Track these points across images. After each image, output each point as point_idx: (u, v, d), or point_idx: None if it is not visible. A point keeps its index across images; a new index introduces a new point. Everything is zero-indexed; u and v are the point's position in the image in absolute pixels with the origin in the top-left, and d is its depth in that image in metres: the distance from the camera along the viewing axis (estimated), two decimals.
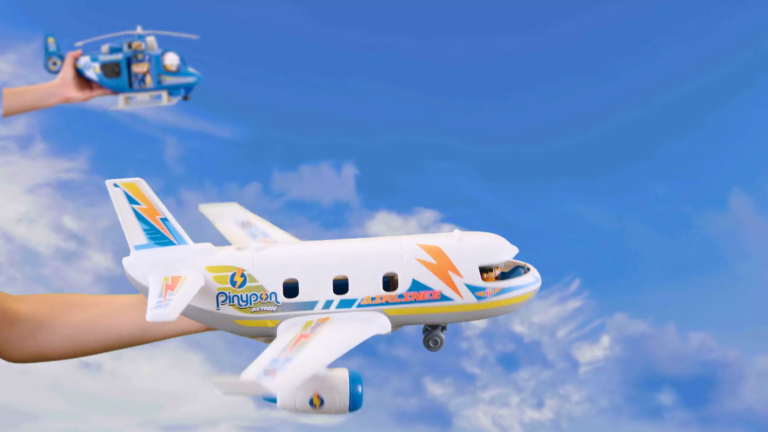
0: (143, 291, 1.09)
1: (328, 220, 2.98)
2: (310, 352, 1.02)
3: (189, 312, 1.09)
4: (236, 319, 1.10)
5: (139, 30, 2.14)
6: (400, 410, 2.99)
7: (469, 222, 3.06)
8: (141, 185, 1.08)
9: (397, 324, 1.12)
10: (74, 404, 2.99)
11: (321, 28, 3.08)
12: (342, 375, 1.10)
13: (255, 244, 1.13)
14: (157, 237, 1.10)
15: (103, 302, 1.24)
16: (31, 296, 1.24)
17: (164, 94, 2.09)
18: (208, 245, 1.12)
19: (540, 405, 3.05)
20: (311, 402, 1.07)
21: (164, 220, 1.10)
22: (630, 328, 3.07)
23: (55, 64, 2.14)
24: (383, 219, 2.92)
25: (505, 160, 3.04)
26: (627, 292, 3.08)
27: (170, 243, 1.10)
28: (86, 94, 2.08)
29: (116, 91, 2.10)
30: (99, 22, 2.91)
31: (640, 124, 3.08)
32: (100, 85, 2.09)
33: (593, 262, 3.06)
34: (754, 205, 3.06)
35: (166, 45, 2.16)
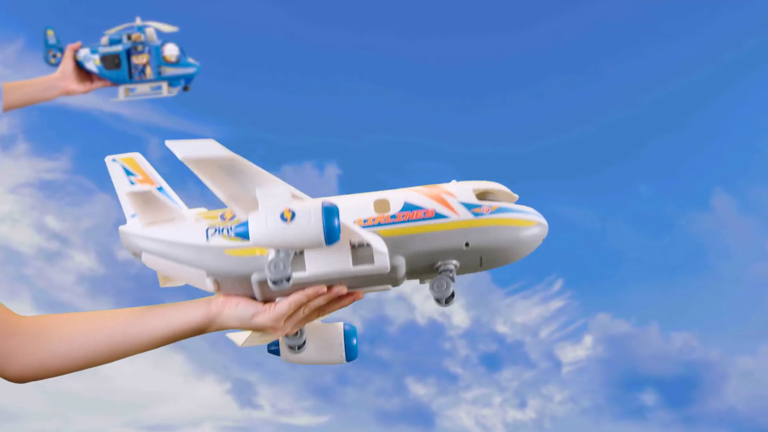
0: (138, 257, 1.11)
1: None
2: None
3: (179, 252, 1.09)
4: (226, 249, 1.09)
5: (138, 21, 2.14)
6: (383, 410, 2.99)
7: None
8: (138, 159, 1.10)
9: (394, 249, 1.07)
10: (57, 404, 2.99)
11: (305, 29, 3.08)
12: (315, 200, 1.04)
13: None
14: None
15: (102, 311, 1.24)
16: (31, 316, 1.25)
17: (164, 84, 2.09)
18: (202, 209, 1.14)
19: (523, 405, 3.06)
20: (282, 215, 1.01)
21: (160, 189, 1.13)
22: (612, 328, 3.08)
23: (54, 56, 2.14)
24: None
25: (488, 160, 3.05)
26: (609, 292, 3.10)
27: None
28: (86, 86, 2.08)
29: (116, 82, 2.10)
30: (82, 22, 2.91)
31: (624, 124, 3.09)
32: (100, 77, 2.09)
33: (576, 262, 3.07)
34: (737, 206, 3.08)
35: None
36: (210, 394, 3.06)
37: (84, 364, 1.18)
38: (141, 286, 2.98)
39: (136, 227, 1.11)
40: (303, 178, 2.98)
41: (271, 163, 2.97)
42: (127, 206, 1.11)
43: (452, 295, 1.09)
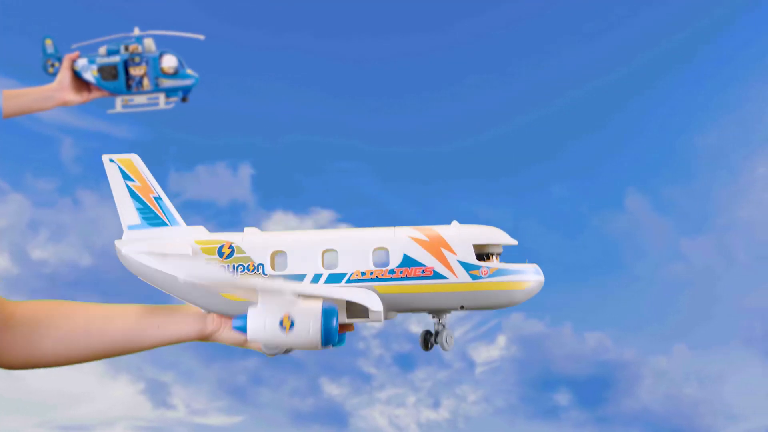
0: (134, 271, 1.10)
1: (224, 220, 2.97)
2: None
3: (176, 286, 1.09)
4: (222, 292, 1.12)
5: (136, 32, 2.13)
6: (297, 410, 2.99)
7: (367, 221, 3.06)
8: (136, 161, 1.10)
9: (389, 306, 1.10)
10: None
11: (221, 28, 3.07)
12: (315, 303, 1.08)
13: (251, 230, 1.14)
14: (150, 217, 1.13)
15: (98, 309, 1.24)
16: (27, 301, 1.25)
17: (162, 96, 2.09)
18: (200, 227, 1.14)
19: (436, 405, 3.06)
20: (281, 323, 1.05)
21: (158, 199, 1.14)
22: (526, 329, 3.09)
23: (52, 66, 2.14)
24: (280, 219, 2.93)
25: (404, 160, 3.05)
26: None
27: (163, 224, 1.12)
28: (84, 96, 2.09)
29: (114, 93, 2.09)
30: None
31: (539, 125, 3.10)
32: (97, 88, 2.08)
33: None
34: (650, 205, 3.09)
35: (164, 45, 2.15)
36: (124, 395, 3.06)
37: (75, 360, 1.19)
38: (54, 286, 2.97)
39: (132, 246, 1.08)
40: (216, 178, 2.97)
41: (184, 163, 2.96)
42: (124, 214, 1.10)
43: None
